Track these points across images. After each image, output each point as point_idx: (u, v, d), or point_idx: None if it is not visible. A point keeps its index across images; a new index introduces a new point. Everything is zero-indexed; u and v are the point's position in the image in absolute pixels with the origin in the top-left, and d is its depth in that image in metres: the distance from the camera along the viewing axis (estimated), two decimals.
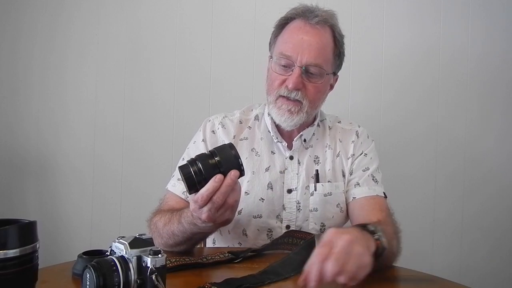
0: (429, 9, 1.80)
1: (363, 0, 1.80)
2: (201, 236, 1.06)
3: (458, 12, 1.80)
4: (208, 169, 0.87)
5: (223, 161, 0.88)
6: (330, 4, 1.74)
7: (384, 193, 1.19)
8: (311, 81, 1.13)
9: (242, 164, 0.89)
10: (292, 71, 1.12)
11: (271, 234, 1.17)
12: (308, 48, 1.11)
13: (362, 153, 1.23)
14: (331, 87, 1.23)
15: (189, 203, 1.09)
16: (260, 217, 1.17)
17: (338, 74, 1.25)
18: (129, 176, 1.84)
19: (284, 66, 1.14)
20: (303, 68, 1.11)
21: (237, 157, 0.89)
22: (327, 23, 1.16)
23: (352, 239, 0.77)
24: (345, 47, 1.21)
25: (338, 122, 1.29)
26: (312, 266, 0.75)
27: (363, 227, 0.88)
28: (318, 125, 1.26)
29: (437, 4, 1.80)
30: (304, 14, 1.16)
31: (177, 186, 1.18)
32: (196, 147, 1.22)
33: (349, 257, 0.75)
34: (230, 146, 0.91)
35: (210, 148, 1.19)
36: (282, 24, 1.20)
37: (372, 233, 0.86)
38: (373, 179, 1.20)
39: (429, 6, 1.80)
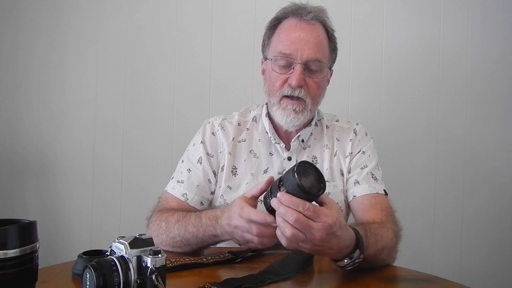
0: (429, 9, 1.80)
1: None
2: (213, 244, 1.06)
3: (458, 11, 1.80)
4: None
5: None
6: (331, 4, 1.76)
7: (384, 190, 1.18)
8: (312, 77, 1.14)
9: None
10: (293, 68, 1.12)
11: None
12: (307, 44, 1.12)
13: (360, 151, 1.23)
14: (328, 81, 1.24)
15: (193, 207, 1.10)
16: None
17: (333, 69, 1.25)
18: (129, 176, 1.84)
19: (284, 65, 1.14)
20: (305, 64, 1.11)
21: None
22: (320, 19, 1.17)
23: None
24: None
25: (336, 121, 1.29)
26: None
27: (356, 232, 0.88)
28: (316, 124, 1.26)
29: (437, 4, 1.80)
30: (297, 11, 1.16)
31: (176, 188, 1.18)
32: (195, 149, 1.22)
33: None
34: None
35: (209, 150, 1.19)
36: (275, 25, 1.20)
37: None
38: (372, 176, 1.19)
39: (429, 5, 1.80)
